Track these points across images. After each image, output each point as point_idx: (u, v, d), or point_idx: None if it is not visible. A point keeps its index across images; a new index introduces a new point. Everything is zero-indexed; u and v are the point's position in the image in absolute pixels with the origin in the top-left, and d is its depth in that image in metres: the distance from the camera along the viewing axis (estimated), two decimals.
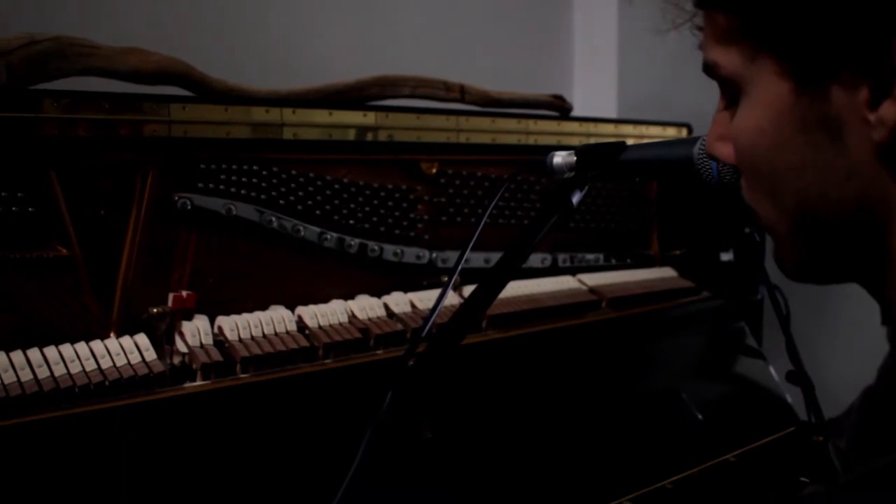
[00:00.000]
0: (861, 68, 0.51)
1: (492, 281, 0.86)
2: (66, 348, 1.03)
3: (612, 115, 2.16)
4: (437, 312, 0.91)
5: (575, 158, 0.91)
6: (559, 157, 0.94)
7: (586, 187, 0.88)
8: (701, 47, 0.62)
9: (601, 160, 0.88)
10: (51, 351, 1.02)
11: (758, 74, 0.56)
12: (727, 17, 0.58)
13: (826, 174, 0.55)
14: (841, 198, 0.55)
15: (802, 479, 1.33)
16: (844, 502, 0.49)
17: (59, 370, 1.01)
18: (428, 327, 0.90)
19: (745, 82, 0.57)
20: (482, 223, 0.96)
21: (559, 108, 1.71)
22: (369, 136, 1.36)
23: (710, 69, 0.61)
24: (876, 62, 0.50)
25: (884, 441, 0.50)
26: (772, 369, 1.71)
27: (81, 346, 1.05)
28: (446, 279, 1.18)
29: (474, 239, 0.95)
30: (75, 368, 1.02)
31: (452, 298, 1.39)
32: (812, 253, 0.60)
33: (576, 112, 1.83)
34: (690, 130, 1.83)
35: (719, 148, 0.65)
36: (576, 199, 0.87)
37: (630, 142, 1.71)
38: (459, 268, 0.95)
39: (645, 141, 1.74)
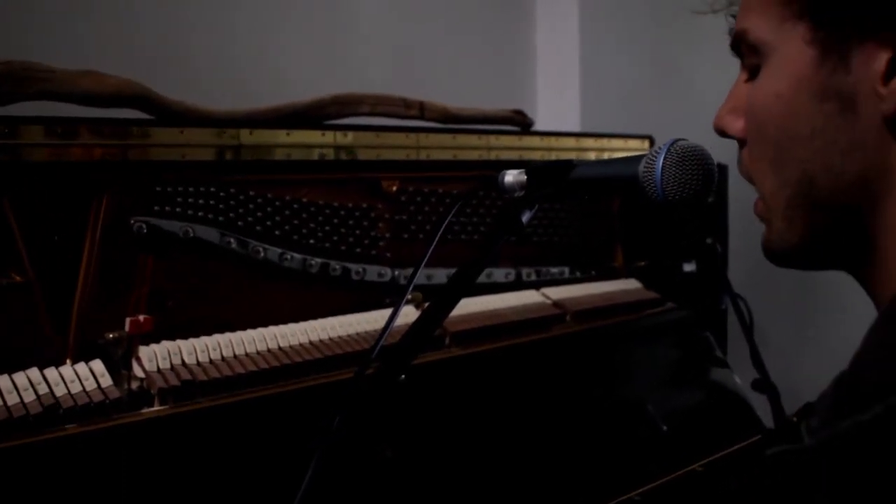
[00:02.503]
0: (882, 41, 0.54)
1: (445, 298, 0.86)
2: (20, 376, 1.02)
3: (577, 128, 2.17)
4: (389, 331, 0.91)
5: (525, 177, 0.92)
6: (510, 176, 0.94)
7: (536, 206, 0.89)
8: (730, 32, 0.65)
9: (550, 179, 0.89)
10: (3, 379, 1.01)
11: (785, 41, 0.59)
12: None
13: (833, 144, 0.57)
14: (844, 169, 0.57)
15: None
16: (809, 461, 0.50)
17: (11, 399, 1.00)
18: (378, 347, 0.90)
19: (771, 49, 0.60)
20: (436, 240, 0.97)
21: (520, 123, 1.72)
22: (329, 155, 1.36)
23: (739, 38, 0.63)
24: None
25: (850, 410, 0.51)
26: (737, 378, 1.72)
27: (34, 373, 1.04)
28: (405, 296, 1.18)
29: (428, 255, 0.95)
30: (29, 397, 1.01)
31: (413, 316, 1.39)
32: (805, 229, 0.61)
33: (540, 126, 1.85)
34: (653, 142, 1.85)
35: (729, 121, 0.67)
36: (525, 217, 0.87)
37: (592, 155, 1.74)
38: (412, 285, 0.96)
39: (606, 154, 1.75)
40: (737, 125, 0.65)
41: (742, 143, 0.66)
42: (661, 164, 0.80)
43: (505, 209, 0.90)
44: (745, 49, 0.64)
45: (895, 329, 0.54)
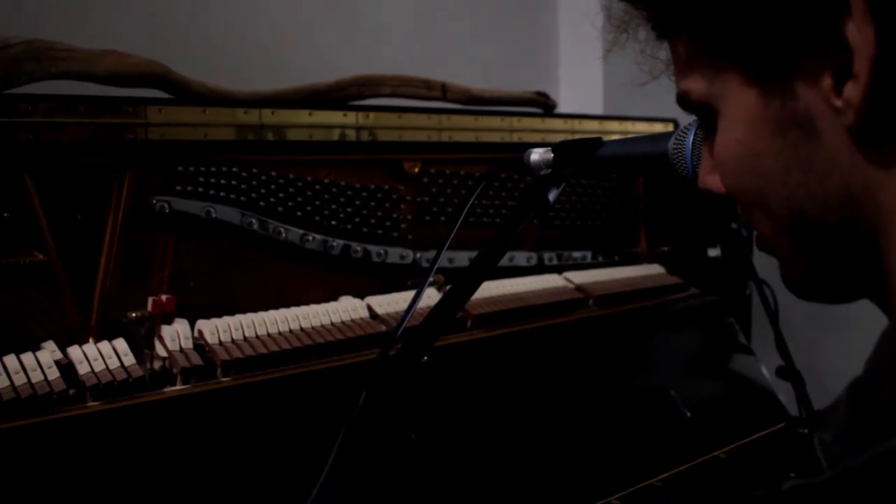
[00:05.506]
0: (818, 57, 0.51)
1: (468, 278, 0.85)
2: (44, 354, 1.02)
3: (599, 111, 2.15)
4: (412, 312, 0.90)
5: (552, 155, 0.91)
6: (536, 154, 0.93)
7: (563, 184, 0.87)
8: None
9: (577, 156, 0.88)
10: (28, 357, 1.01)
11: (725, 90, 0.57)
12: (684, 42, 0.60)
13: (809, 173, 0.55)
14: (827, 195, 0.55)
15: (791, 475, 1.33)
16: (824, 498, 0.48)
17: (36, 377, 1.00)
18: (402, 327, 0.90)
19: (715, 101, 0.58)
20: (459, 222, 0.96)
21: (543, 105, 1.70)
22: (350, 136, 1.35)
23: (684, 101, 0.62)
24: (831, 47, 0.50)
25: (868, 434, 0.49)
26: (762, 365, 1.70)
27: (58, 353, 1.04)
28: (429, 278, 1.17)
29: (451, 238, 0.94)
30: (53, 374, 1.01)
31: (435, 298, 1.38)
32: (813, 265, 0.60)
33: (562, 109, 1.83)
34: (677, 126, 1.82)
35: (710, 181, 0.66)
36: (552, 196, 0.86)
37: (615, 138, 1.71)
38: (435, 267, 0.95)
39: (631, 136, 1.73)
40: (719, 183, 0.64)
41: (731, 199, 0.64)
42: (691, 140, 0.79)
43: (531, 187, 0.89)
44: (694, 109, 0.62)
45: None
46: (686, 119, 0.81)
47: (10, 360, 1.00)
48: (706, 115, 0.60)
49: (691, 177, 0.78)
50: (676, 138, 0.79)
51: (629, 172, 1.53)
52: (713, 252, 1.79)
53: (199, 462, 1.02)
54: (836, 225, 0.56)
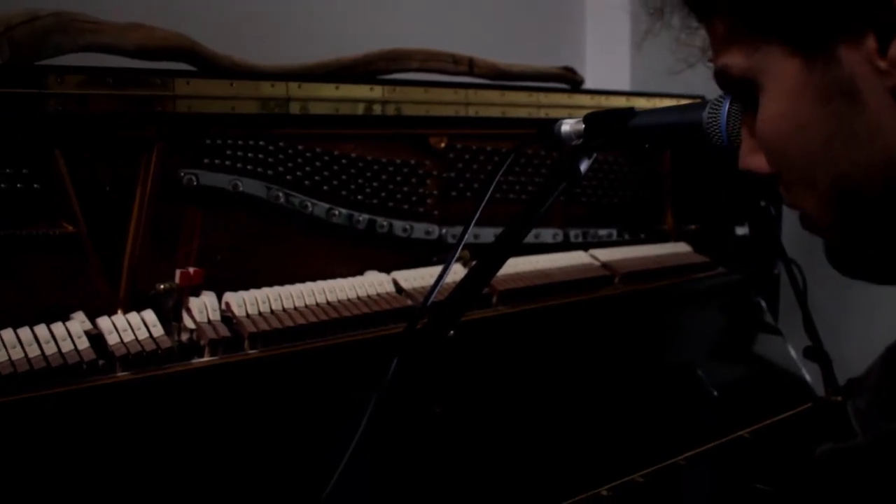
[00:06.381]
0: (861, 19, 0.51)
1: (497, 251, 0.85)
2: (73, 324, 1.03)
3: (625, 88, 2.12)
4: (440, 286, 0.90)
5: (583, 125, 0.90)
6: (567, 125, 0.92)
7: (594, 155, 0.86)
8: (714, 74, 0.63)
9: (609, 126, 0.86)
10: (58, 327, 1.02)
11: (766, 63, 0.57)
12: (723, 20, 0.59)
13: (852, 141, 0.54)
14: (870, 162, 0.54)
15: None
16: (859, 461, 0.48)
17: (66, 346, 1.01)
18: (432, 298, 0.89)
19: (756, 75, 0.58)
20: (487, 195, 0.95)
21: (570, 80, 1.68)
22: (377, 110, 1.34)
23: (723, 77, 0.61)
24: (874, 8, 0.50)
25: None
26: (789, 345, 1.69)
27: (87, 323, 1.05)
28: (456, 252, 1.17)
29: (479, 211, 0.94)
30: (83, 344, 1.02)
31: (461, 275, 1.37)
32: (859, 240, 0.59)
33: (588, 85, 1.80)
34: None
35: (752, 161, 0.64)
36: (583, 166, 0.85)
37: None
38: (463, 242, 0.94)
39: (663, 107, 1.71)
40: (761, 162, 0.63)
41: (774, 178, 0.63)
42: (726, 109, 0.78)
43: (562, 158, 0.88)
44: (733, 85, 0.61)
45: None
46: (713, 97, 0.80)
47: (41, 329, 1.01)
48: (746, 90, 0.60)
49: (726, 146, 0.77)
50: (711, 107, 0.78)
51: (661, 143, 1.52)
52: (741, 230, 1.77)
53: (226, 432, 1.02)
54: (880, 194, 0.55)
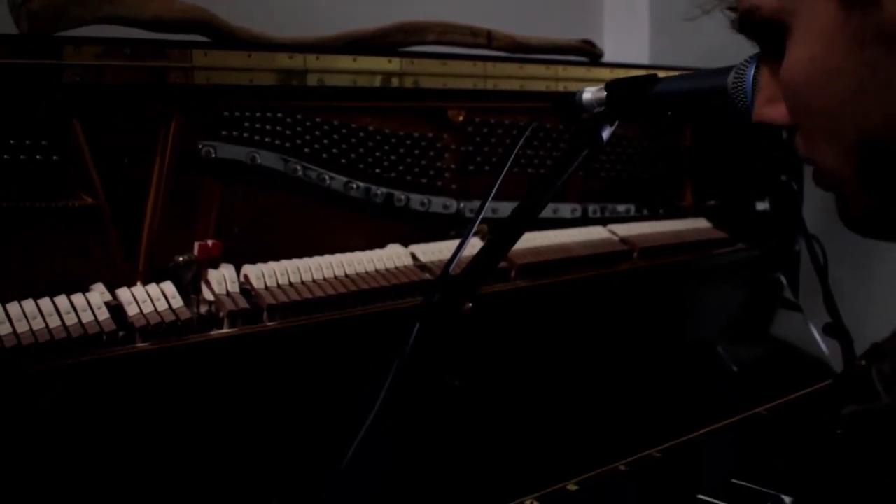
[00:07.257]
0: None
1: (517, 220, 0.84)
2: (93, 295, 1.03)
3: (644, 61, 2.10)
4: (457, 258, 0.89)
5: (605, 93, 0.89)
6: (588, 93, 0.91)
7: (616, 123, 0.85)
8: (734, 22, 0.60)
9: (632, 94, 0.85)
10: (78, 298, 1.02)
11: (800, 4, 0.54)
12: None
13: (886, 93, 0.52)
14: None
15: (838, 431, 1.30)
16: (883, 422, 0.47)
17: (86, 317, 1.01)
18: (451, 268, 0.89)
19: (787, 16, 0.55)
20: (505, 169, 0.94)
21: (589, 53, 1.66)
22: (394, 83, 1.33)
23: (749, 17, 0.58)
24: None
25: None
26: (809, 322, 1.67)
27: (107, 294, 1.05)
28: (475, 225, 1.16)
29: (497, 185, 0.93)
30: (102, 315, 1.02)
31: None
32: (881, 198, 0.57)
33: (606, 59, 1.78)
34: None
35: (769, 111, 0.62)
36: (605, 133, 0.84)
37: None
38: (481, 216, 0.93)
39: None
40: (779, 112, 0.60)
41: (790, 129, 0.61)
42: (752, 73, 0.76)
43: (583, 127, 0.87)
44: (760, 28, 0.58)
45: None
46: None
47: (61, 300, 1.01)
48: (773, 34, 0.57)
49: (751, 111, 0.75)
50: (737, 72, 0.77)
51: (684, 111, 1.50)
52: (762, 205, 1.75)
53: (245, 402, 1.03)
54: None
